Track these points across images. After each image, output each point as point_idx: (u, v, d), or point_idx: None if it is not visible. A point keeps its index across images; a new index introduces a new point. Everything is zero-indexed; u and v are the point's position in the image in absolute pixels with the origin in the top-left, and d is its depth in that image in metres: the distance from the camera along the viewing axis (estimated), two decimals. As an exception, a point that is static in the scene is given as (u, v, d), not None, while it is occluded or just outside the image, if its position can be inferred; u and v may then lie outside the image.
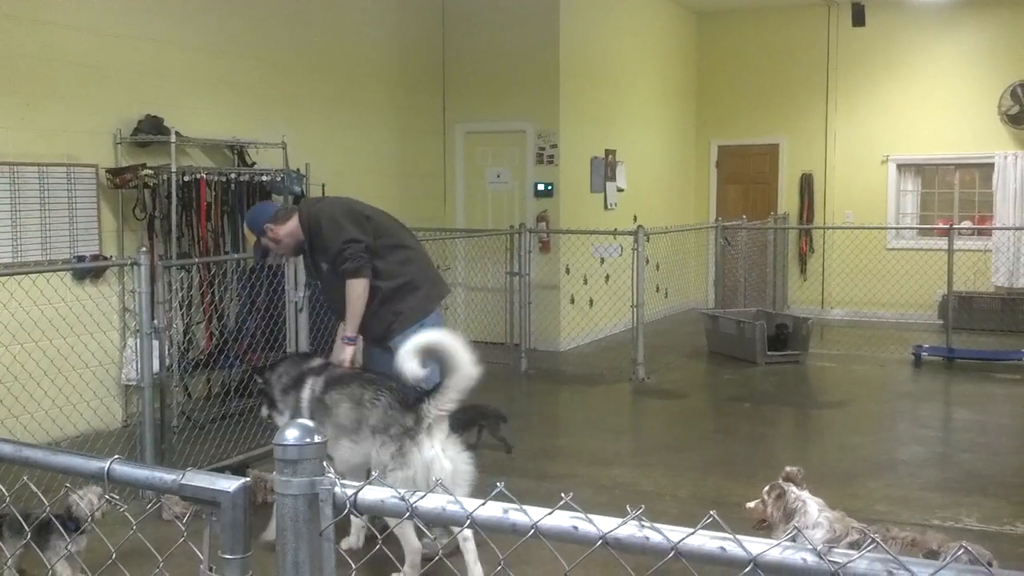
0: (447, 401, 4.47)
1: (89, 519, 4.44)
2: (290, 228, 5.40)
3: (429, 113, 11.76)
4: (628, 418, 8.98)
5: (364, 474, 4.60)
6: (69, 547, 4.42)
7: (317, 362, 5.23)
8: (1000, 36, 13.25)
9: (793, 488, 3.87)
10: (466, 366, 4.34)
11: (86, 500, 4.48)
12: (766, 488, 3.93)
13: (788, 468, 3.96)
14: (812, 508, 3.80)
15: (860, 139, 14.09)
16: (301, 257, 5.87)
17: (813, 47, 14.21)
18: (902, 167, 14.07)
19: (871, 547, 1.36)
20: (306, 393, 5.01)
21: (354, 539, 5.08)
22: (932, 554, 3.62)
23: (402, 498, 1.62)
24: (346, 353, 5.26)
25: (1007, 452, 7.31)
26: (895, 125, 13.87)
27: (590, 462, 7.01)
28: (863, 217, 13.74)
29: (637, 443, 7.99)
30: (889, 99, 13.90)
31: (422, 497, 1.60)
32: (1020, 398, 9.34)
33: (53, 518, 4.27)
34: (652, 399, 9.37)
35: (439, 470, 4.50)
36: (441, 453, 4.55)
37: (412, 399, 4.59)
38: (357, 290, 5.18)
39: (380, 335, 5.36)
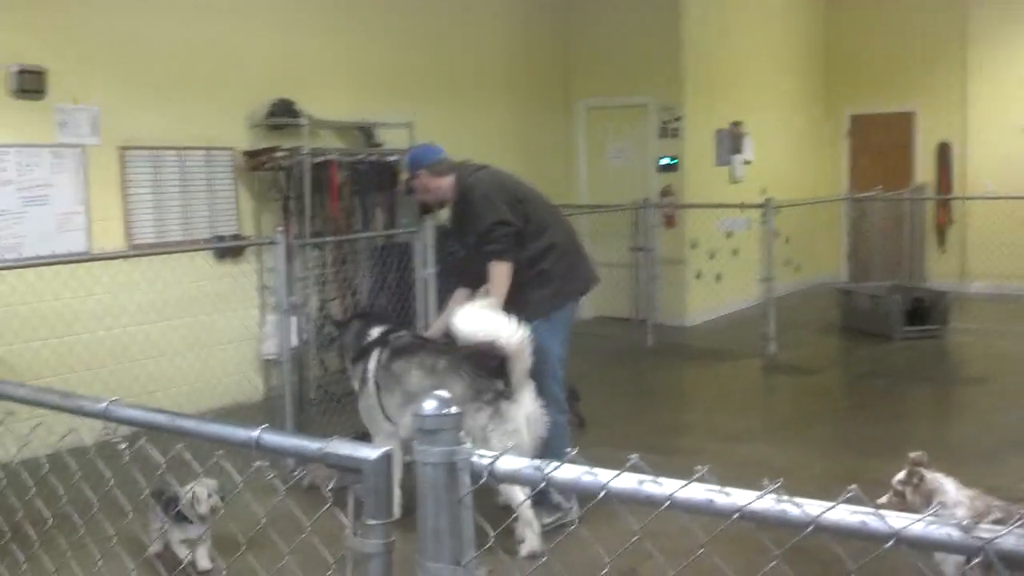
0: (524, 366, 4.68)
1: (199, 514, 4.42)
2: (442, 184, 5.38)
3: (552, 90, 11.74)
4: (758, 394, 8.84)
5: None
6: (179, 534, 4.49)
7: (383, 328, 5.33)
8: None
9: (926, 471, 3.77)
10: (508, 338, 4.58)
11: (193, 494, 4.42)
12: (897, 477, 3.83)
13: (912, 454, 3.85)
14: (950, 487, 3.69)
15: (999, 105, 13.36)
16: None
17: (947, 10, 13.57)
18: (1045, 133, 13.33)
19: (1018, 524, 1.32)
20: (372, 362, 5.18)
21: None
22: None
23: (537, 468, 1.65)
24: None
25: None
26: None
27: (719, 437, 6.94)
28: (1004, 187, 13.09)
29: (768, 419, 7.85)
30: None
31: (557, 467, 1.63)
32: None
33: (166, 504, 4.36)
34: (783, 375, 9.20)
35: (535, 426, 4.74)
36: (533, 412, 4.76)
37: (496, 365, 4.71)
38: (502, 273, 5.11)
39: None
